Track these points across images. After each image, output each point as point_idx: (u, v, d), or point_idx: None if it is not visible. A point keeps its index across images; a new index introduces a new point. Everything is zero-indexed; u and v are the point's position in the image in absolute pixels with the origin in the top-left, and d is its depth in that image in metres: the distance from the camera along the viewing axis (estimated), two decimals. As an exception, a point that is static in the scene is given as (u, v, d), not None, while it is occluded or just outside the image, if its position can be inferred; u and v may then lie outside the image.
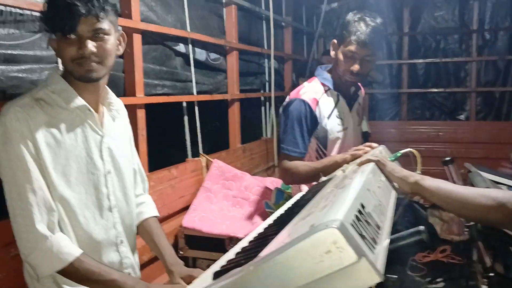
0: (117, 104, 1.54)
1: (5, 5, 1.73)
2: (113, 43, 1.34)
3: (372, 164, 1.43)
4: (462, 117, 5.50)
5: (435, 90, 5.50)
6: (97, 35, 1.28)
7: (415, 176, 1.36)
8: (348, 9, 5.52)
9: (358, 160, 1.67)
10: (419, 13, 5.50)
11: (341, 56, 1.99)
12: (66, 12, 1.22)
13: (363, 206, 0.96)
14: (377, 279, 0.75)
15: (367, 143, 1.81)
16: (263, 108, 4.37)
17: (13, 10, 1.78)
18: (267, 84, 4.32)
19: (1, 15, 1.75)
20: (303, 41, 5.50)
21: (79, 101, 1.35)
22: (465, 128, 5.33)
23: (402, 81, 5.58)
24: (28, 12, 1.84)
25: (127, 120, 1.62)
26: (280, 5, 4.55)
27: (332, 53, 2.07)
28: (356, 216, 0.87)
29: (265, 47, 4.17)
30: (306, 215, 1.02)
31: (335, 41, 2.05)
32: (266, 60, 4.29)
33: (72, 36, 1.25)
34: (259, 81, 4.22)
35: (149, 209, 1.66)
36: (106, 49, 1.31)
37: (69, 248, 1.27)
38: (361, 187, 1.09)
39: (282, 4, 4.62)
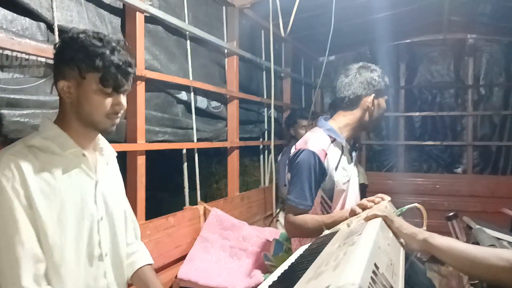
0: (108, 149, 1.54)
1: (12, 50, 1.73)
2: None
3: (379, 220, 1.40)
4: (459, 170, 5.51)
5: (432, 143, 5.54)
6: (124, 93, 1.38)
7: (424, 234, 1.34)
8: (345, 61, 5.67)
9: (363, 214, 1.63)
10: (415, 67, 5.63)
11: (383, 104, 2.16)
12: (120, 70, 1.31)
13: (377, 267, 0.92)
14: None
15: (379, 194, 1.77)
16: (261, 156, 4.36)
17: (18, 55, 1.79)
18: (266, 132, 4.33)
19: (6, 60, 1.75)
20: (301, 91, 5.58)
21: (73, 146, 1.36)
22: (462, 181, 5.33)
23: (399, 133, 5.63)
24: (34, 57, 1.85)
25: (117, 165, 1.61)
26: (280, 56, 4.64)
27: (372, 107, 2.11)
28: (372, 278, 0.84)
29: (265, 96, 4.21)
30: (317, 274, 0.97)
31: (373, 94, 2.10)
32: (265, 109, 4.32)
33: (115, 93, 1.33)
34: (259, 129, 4.23)
35: (143, 257, 1.63)
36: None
37: None
38: (373, 245, 1.05)
39: (282, 55, 4.71)
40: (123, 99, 1.36)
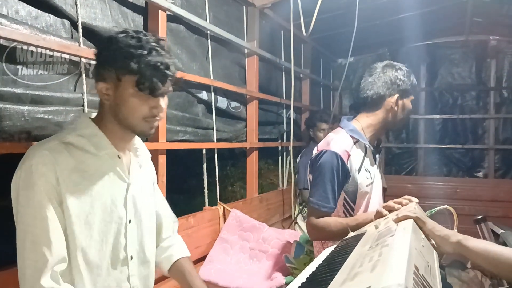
0: (143, 149, 1.52)
1: (37, 46, 1.73)
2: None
3: (411, 221, 1.36)
4: (480, 174, 5.40)
5: (453, 146, 5.44)
6: (162, 95, 1.31)
7: (457, 236, 1.30)
8: (364, 63, 5.60)
9: (391, 215, 1.59)
10: (436, 69, 5.54)
11: (409, 104, 2.11)
12: (157, 72, 1.25)
13: (416, 268, 0.88)
14: None
15: (406, 196, 1.72)
16: (280, 157, 4.32)
17: (43, 51, 1.78)
18: (284, 133, 4.30)
19: (31, 56, 1.74)
20: (320, 93, 5.53)
21: (109, 147, 1.33)
22: (484, 185, 5.22)
23: (419, 136, 5.54)
24: (58, 54, 1.84)
25: (151, 164, 1.59)
26: (299, 58, 4.61)
27: (395, 107, 2.05)
28: (414, 280, 0.80)
29: (284, 97, 4.18)
30: (352, 275, 0.93)
31: (397, 95, 2.05)
32: (284, 110, 4.29)
33: (153, 97, 1.28)
34: (277, 130, 4.20)
35: (180, 250, 1.63)
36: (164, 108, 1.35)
37: None
38: (409, 246, 1.01)
39: (301, 56, 4.68)
40: (161, 101, 1.31)
